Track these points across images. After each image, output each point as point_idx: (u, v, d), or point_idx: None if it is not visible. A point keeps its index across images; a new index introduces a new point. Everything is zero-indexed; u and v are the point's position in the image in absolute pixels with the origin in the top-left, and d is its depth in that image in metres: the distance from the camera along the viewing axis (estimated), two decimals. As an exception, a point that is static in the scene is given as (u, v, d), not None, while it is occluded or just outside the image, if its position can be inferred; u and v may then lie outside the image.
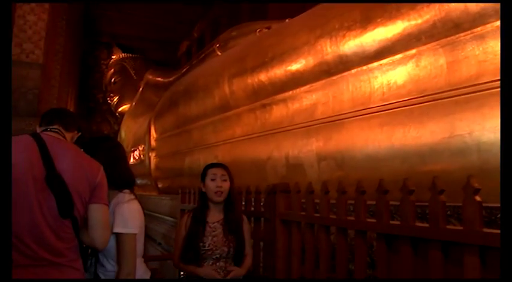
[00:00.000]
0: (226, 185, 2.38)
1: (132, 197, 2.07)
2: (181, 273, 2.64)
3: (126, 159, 2.28)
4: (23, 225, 1.56)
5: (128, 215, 1.97)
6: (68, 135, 1.93)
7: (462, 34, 2.48)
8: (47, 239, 1.59)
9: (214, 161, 3.12)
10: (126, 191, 2.07)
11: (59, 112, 2.02)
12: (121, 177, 2.08)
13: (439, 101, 2.56)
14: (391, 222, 1.85)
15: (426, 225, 1.67)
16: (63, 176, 1.67)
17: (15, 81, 6.83)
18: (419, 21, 2.69)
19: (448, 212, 1.90)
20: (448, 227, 1.59)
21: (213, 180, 2.37)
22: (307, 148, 3.42)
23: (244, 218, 2.49)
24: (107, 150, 2.13)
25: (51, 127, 1.88)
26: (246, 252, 2.40)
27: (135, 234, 1.98)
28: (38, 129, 1.90)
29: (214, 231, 2.33)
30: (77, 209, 1.70)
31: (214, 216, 2.39)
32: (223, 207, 2.41)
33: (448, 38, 2.57)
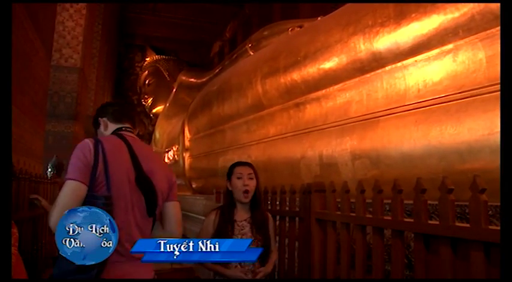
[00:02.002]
0: (252, 184, 2.38)
1: None
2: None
3: None
4: (120, 226, 1.62)
5: None
6: (135, 133, 1.95)
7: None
8: (134, 237, 1.64)
9: (248, 160, 3.13)
10: None
11: (126, 109, 1.99)
12: None
13: (478, 97, 2.48)
14: (430, 222, 1.81)
15: (467, 225, 1.62)
16: (150, 177, 1.72)
17: (55, 85, 7.09)
18: (457, 14, 2.62)
19: (490, 212, 1.84)
20: (490, 227, 1.54)
21: (239, 178, 2.38)
22: (341, 147, 3.38)
23: (269, 215, 2.50)
24: None
25: (125, 126, 1.88)
26: (271, 249, 2.42)
27: None
28: (111, 126, 1.88)
29: (242, 230, 2.34)
30: (159, 207, 1.77)
31: (242, 215, 2.39)
32: (250, 205, 2.41)
33: (488, 31, 2.48)
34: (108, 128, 1.88)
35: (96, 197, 1.58)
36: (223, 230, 2.32)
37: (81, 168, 1.59)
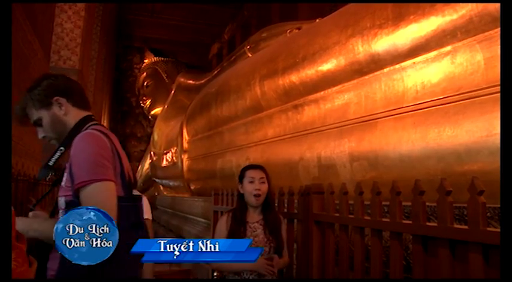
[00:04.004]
0: (264, 188, 2.37)
1: None
2: (215, 274, 2.65)
3: None
4: None
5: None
6: None
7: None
8: None
9: (247, 163, 3.13)
10: None
11: (83, 90, 1.63)
12: None
13: (476, 98, 2.48)
14: (428, 223, 1.81)
15: (465, 227, 1.63)
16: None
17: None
18: (455, 16, 2.62)
19: (488, 214, 1.84)
20: (488, 229, 1.55)
21: (251, 182, 2.37)
22: (340, 148, 3.38)
23: (282, 218, 2.49)
24: None
25: (93, 116, 1.58)
26: (283, 254, 2.40)
27: None
28: (74, 112, 1.53)
29: (254, 231, 2.34)
30: None
31: (254, 217, 2.39)
32: (262, 207, 2.41)
33: (486, 33, 2.49)
34: (69, 114, 1.51)
35: (128, 198, 1.41)
36: (235, 232, 2.31)
37: (108, 167, 1.37)
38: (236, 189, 2.52)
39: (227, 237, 2.32)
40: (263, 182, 2.38)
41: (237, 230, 2.32)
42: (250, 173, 2.40)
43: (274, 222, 2.38)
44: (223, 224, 2.38)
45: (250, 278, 2.27)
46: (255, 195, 2.35)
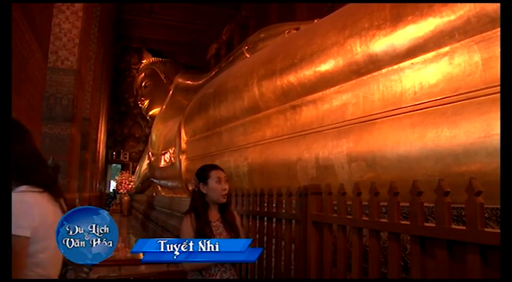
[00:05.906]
0: (228, 187, 2.46)
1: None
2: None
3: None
4: None
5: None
6: None
7: (499, 29, 2.40)
8: None
9: (245, 163, 3.13)
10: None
11: None
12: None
13: (474, 99, 2.49)
14: (426, 224, 1.81)
15: (463, 227, 1.63)
16: None
17: (52, 88, 7.07)
18: (453, 17, 2.63)
19: (486, 215, 1.85)
20: (486, 229, 1.55)
21: (218, 182, 2.42)
22: (338, 149, 3.38)
23: (235, 213, 2.57)
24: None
25: None
26: None
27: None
28: None
29: (218, 230, 2.40)
30: None
31: (214, 216, 2.46)
32: (218, 206, 2.46)
33: (484, 34, 2.49)
34: None
35: None
36: (202, 232, 2.34)
37: None
38: (232, 190, 2.55)
39: (194, 238, 2.35)
40: (227, 181, 2.47)
41: (203, 229, 2.35)
42: (216, 173, 2.47)
43: (232, 219, 2.46)
44: (189, 225, 2.40)
45: (218, 273, 2.29)
46: (223, 195, 2.40)
